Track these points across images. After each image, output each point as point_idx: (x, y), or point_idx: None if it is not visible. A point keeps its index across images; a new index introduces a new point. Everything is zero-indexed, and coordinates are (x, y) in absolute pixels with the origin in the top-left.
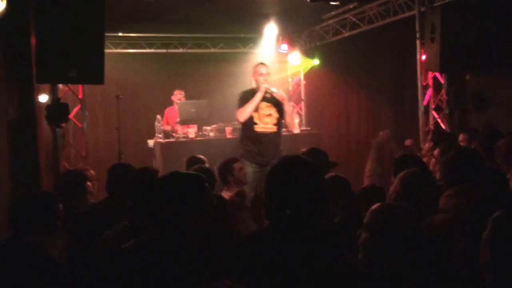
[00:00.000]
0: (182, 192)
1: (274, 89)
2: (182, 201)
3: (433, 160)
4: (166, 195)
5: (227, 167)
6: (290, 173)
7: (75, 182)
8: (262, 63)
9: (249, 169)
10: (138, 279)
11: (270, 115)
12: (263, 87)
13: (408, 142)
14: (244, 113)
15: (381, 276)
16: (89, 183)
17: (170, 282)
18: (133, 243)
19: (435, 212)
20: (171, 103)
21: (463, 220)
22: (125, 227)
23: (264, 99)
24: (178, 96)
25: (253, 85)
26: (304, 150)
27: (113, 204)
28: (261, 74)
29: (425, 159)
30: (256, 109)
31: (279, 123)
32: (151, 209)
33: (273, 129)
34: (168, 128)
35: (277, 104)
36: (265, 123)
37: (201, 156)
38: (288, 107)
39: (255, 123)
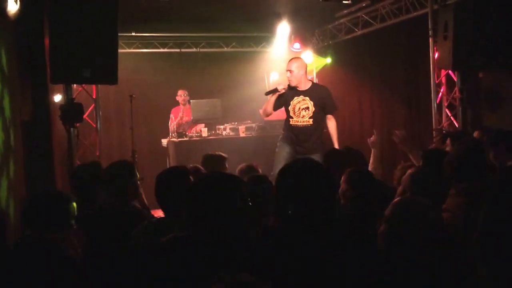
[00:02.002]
0: (226, 194)
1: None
2: (225, 203)
3: None
4: (210, 197)
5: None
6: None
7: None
8: (292, 59)
9: (285, 149)
10: (174, 273)
11: (307, 108)
12: (281, 85)
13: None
14: (263, 112)
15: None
16: None
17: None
18: (170, 237)
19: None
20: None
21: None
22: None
23: (300, 92)
24: (182, 96)
25: (266, 84)
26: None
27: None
28: (286, 71)
29: None
30: (291, 104)
31: (317, 116)
32: (191, 209)
33: (309, 122)
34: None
35: (316, 97)
36: (301, 117)
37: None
38: None
39: (291, 117)
